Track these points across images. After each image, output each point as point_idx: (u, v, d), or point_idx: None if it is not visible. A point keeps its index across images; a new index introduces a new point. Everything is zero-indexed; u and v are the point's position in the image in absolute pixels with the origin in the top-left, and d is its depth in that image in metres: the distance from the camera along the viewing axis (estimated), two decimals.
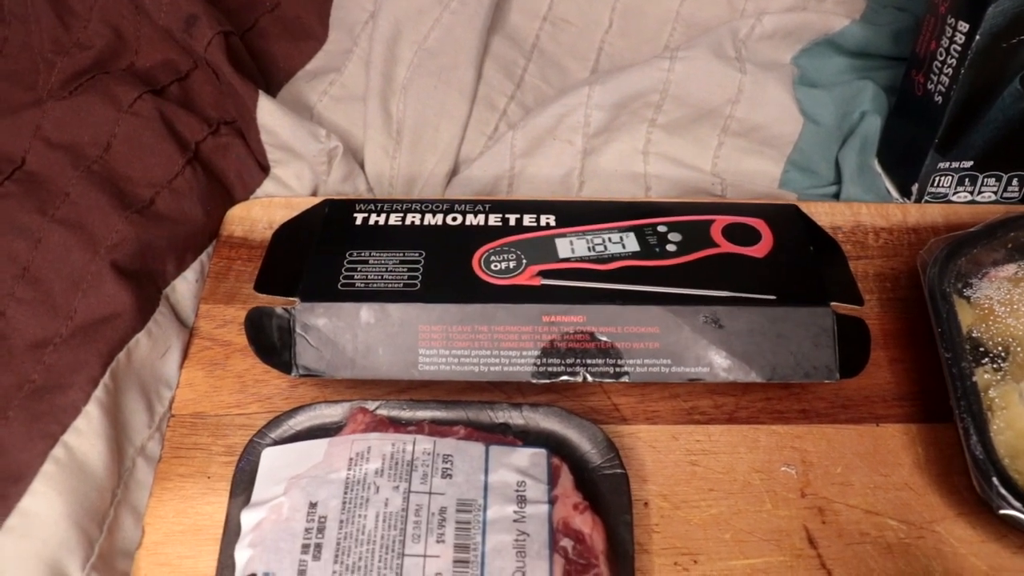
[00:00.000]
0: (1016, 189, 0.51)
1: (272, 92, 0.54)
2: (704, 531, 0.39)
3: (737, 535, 0.39)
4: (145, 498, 0.40)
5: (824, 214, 0.49)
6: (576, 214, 0.44)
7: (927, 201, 0.51)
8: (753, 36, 0.53)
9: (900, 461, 0.42)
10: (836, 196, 0.52)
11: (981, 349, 0.42)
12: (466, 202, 0.45)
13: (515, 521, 0.35)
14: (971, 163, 0.50)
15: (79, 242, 0.43)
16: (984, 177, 0.50)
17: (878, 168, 0.53)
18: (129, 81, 0.49)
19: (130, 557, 0.39)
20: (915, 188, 0.51)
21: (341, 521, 0.34)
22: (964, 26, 0.45)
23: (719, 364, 0.39)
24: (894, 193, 0.52)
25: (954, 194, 0.51)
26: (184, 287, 0.46)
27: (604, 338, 0.39)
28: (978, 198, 0.51)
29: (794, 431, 0.42)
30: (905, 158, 0.51)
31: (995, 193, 0.51)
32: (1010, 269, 0.44)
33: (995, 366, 0.41)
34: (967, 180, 0.50)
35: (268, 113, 0.49)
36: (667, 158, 0.52)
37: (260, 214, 0.50)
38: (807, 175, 0.52)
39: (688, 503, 0.40)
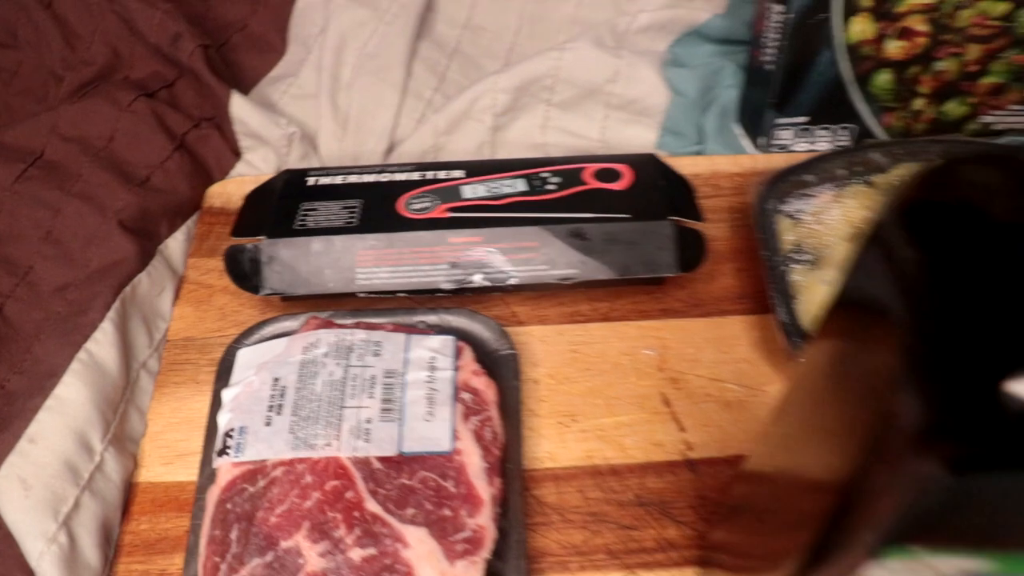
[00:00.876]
0: (846, 138, 0.63)
1: (243, 94, 0.66)
2: (582, 399, 0.51)
3: (608, 401, 0.51)
4: (147, 401, 0.52)
5: (688, 165, 0.61)
6: (480, 168, 0.56)
7: (772, 151, 0.63)
8: (631, 30, 0.66)
9: (740, 342, 0.53)
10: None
11: (798, 252, 0.53)
12: (395, 165, 0.57)
13: (427, 382, 0.46)
14: (806, 118, 0.62)
15: (91, 210, 0.55)
16: (817, 129, 0.62)
17: (738, 130, 0.65)
18: (126, 87, 0.61)
19: (136, 443, 0.50)
20: (762, 141, 0.63)
21: (297, 388, 0.46)
22: (779, 8, 0.57)
23: (584, 265, 0.51)
24: (749, 148, 0.64)
25: (794, 145, 0.63)
26: (175, 245, 0.58)
27: (496, 251, 0.51)
28: (816, 147, 0.63)
29: (656, 324, 0.54)
30: (754, 118, 0.63)
31: (829, 142, 0.63)
32: (823, 192, 0.56)
33: (806, 263, 0.53)
34: (804, 132, 0.62)
35: (239, 107, 0.61)
36: (562, 130, 0.64)
37: (235, 189, 0.62)
38: (678, 138, 0.64)
39: (569, 379, 0.52)
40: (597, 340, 0.53)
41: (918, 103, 0.61)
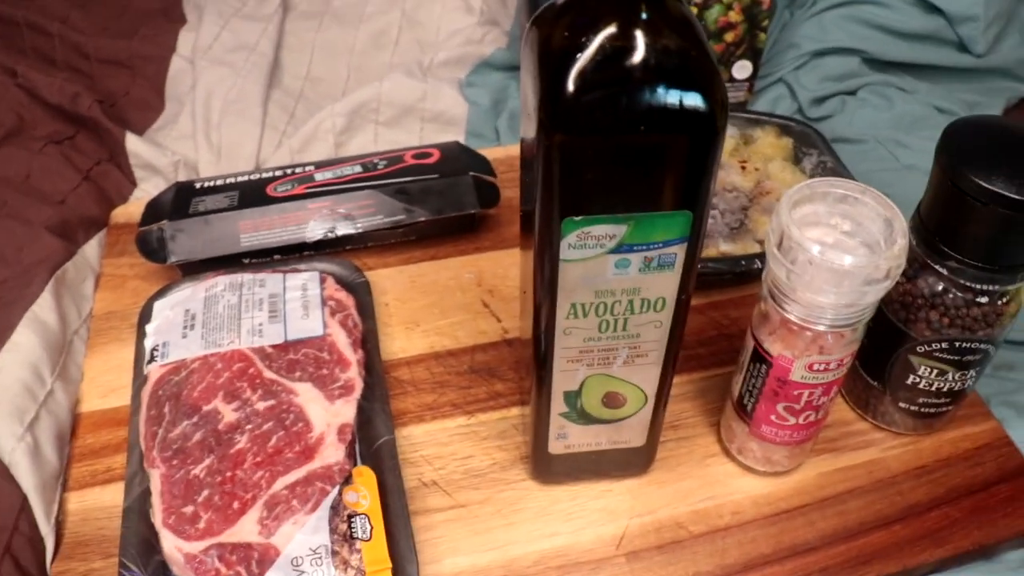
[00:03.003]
0: None
1: None
2: (422, 312, 0.68)
3: (442, 310, 0.68)
4: (81, 358, 0.66)
5: (489, 152, 0.80)
6: (327, 163, 0.74)
7: None
8: (434, 64, 0.86)
9: None
10: None
11: None
12: (262, 170, 0.74)
13: (301, 298, 0.63)
14: None
15: (19, 224, 0.70)
16: None
17: None
18: (35, 139, 0.77)
19: (76, 385, 0.64)
20: None
21: (204, 312, 0.61)
22: None
23: (410, 211, 0.69)
24: None
25: None
26: (90, 250, 0.73)
27: (342, 210, 0.69)
28: None
29: (473, 258, 0.72)
30: None
31: None
32: None
33: None
34: None
35: (133, 143, 0.77)
36: (390, 142, 0.83)
37: (135, 210, 0.77)
38: (480, 139, 0.84)
39: (411, 300, 0.69)
40: (429, 273, 0.71)
41: None
